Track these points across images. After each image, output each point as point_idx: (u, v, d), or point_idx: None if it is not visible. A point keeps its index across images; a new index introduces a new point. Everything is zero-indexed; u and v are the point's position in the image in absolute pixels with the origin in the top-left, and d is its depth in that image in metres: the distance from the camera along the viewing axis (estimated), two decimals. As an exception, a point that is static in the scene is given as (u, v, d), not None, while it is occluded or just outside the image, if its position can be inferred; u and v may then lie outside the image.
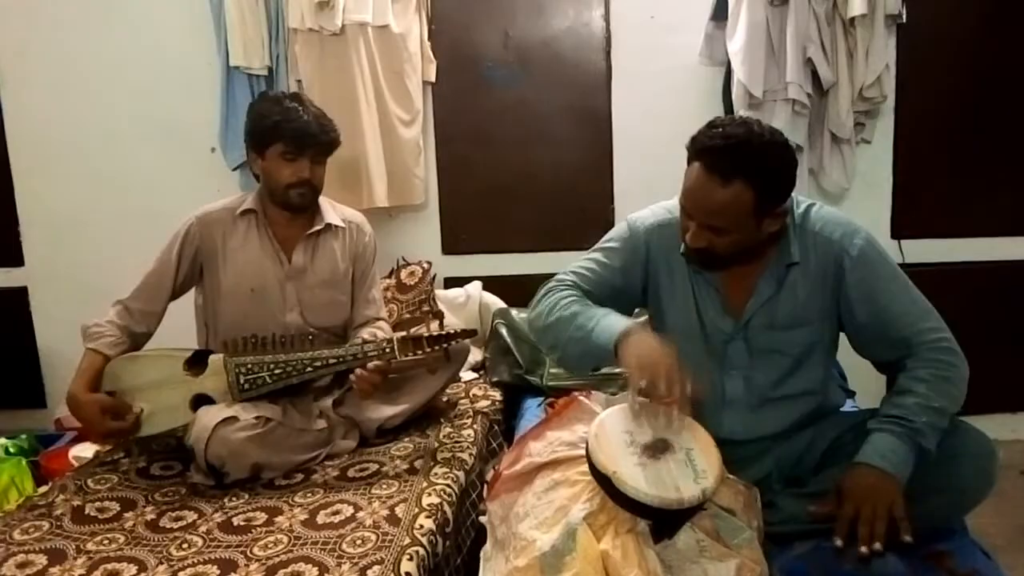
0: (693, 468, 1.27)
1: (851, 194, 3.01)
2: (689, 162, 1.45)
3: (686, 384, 1.33)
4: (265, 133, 1.95)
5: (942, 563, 1.37)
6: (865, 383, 1.97)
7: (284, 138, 1.93)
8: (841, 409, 1.71)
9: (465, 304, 2.92)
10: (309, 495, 1.73)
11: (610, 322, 1.46)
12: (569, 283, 1.61)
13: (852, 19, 2.75)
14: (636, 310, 1.73)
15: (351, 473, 1.86)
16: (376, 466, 1.88)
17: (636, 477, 1.23)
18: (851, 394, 1.89)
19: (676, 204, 1.62)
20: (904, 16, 2.83)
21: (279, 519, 1.61)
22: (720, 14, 2.86)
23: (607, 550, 1.22)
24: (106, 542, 1.54)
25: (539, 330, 1.62)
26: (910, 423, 1.36)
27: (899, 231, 3.03)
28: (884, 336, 1.50)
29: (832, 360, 1.68)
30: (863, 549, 1.28)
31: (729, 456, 1.38)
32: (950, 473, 1.40)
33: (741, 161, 1.37)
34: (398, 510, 1.61)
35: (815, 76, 2.80)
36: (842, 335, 1.62)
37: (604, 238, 1.69)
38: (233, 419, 1.77)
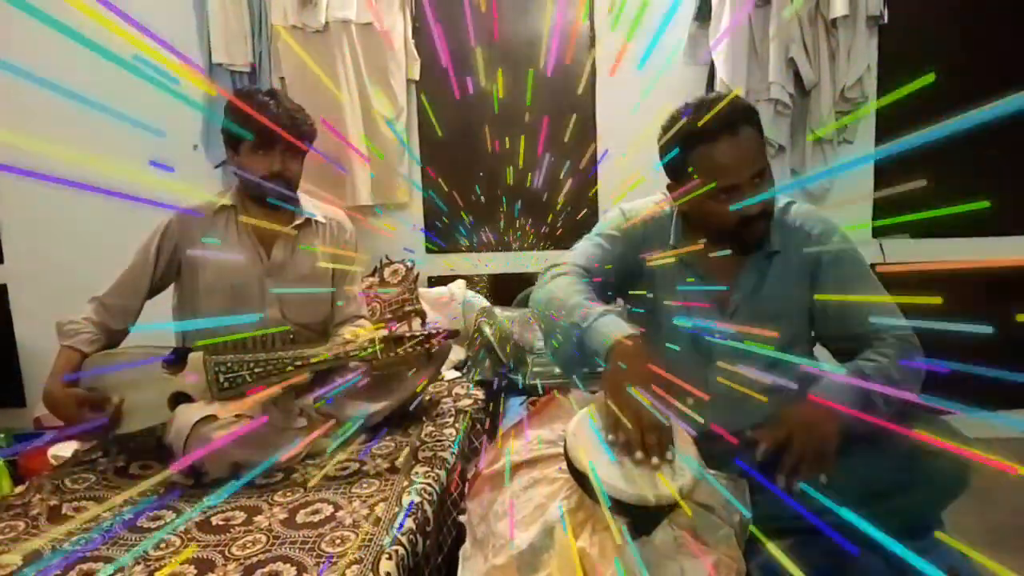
0: (670, 465, 1.27)
1: (832, 194, 3.03)
2: (692, 149, 1.47)
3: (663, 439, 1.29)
4: (237, 129, 1.95)
5: (918, 561, 1.37)
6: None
7: (255, 132, 1.92)
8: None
9: (448, 303, 2.92)
10: (289, 494, 1.72)
11: (603, 325, 1.43)
12: (576, 267, 1.61)
13: (834, 20, 2.77)
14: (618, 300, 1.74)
15: (331, 472, 1.85)
16: (357, 464, 1.88)
17: (613, 475, 1.23)
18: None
19: (663, 198, 1.65)
20: (886, 17, 2.85)
21: (258, 518, 1.60)
22: (703, 14, 2.87)
23: (584, 548, 1.22)
24: (83, 542, 1.52)
25: (541, 307, 1.57)
26: (864, 376, 1.39)
27: (880, 231, 3.06)
28: (849, 331, 1.53)
29: (811, 354, 1.69)
30: (780, 480, 1.30)
31: (709, 452, 1.38)
32: (926, 470, 1.41)
33: (742, 108, 1.47)
34: (378, 509, 1.60)
35: (797, 76, 2.82)
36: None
37: (602, 225, 1.69)
38: (212, 417, 1.75)
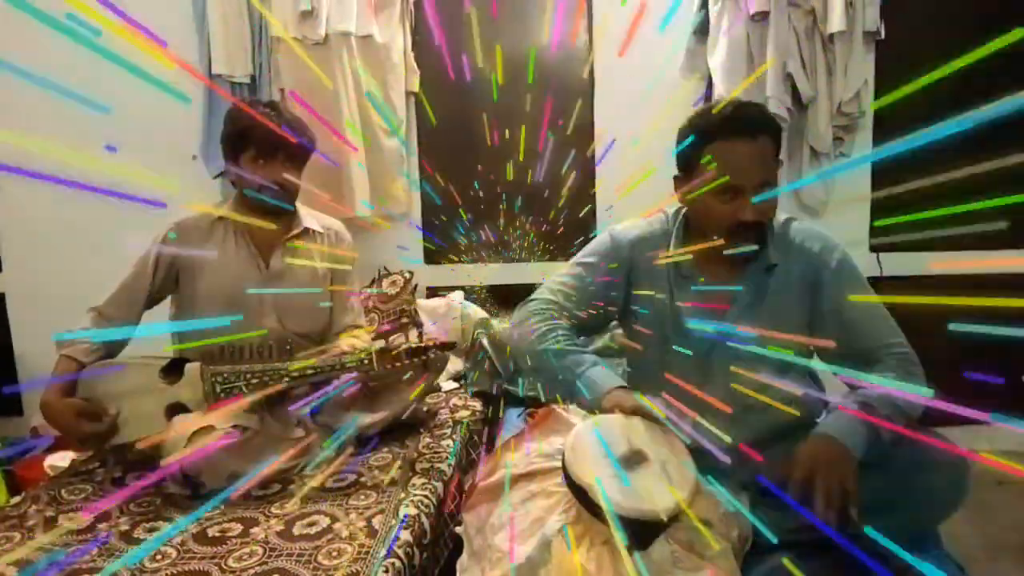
0: (668, 480, 1.27)
1: (830, 208, 3.04)
2: (709, 142, 1.49)
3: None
4: (237, 138, 1.96)
5: None
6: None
7: (255, 142, 1.93)
8: (818, 420, 1.72)
9: (447, 314, 2.92)
10: (286, 505, 1.72)
11: (596, 376, 1.51)
12: (554, 305, 1.64)
13: (832, 35, 2.79)
14: (612, 323, 1.75)
15: (329, 483, 1.84)
16: (354, 476, 1.87)
17: (612, 489, 1.23)
18: (827, 405, 1.91)
19: (656, 218, 1.66)
20: (883, 32, 2.86)
21: (255, 530, 1.60)
22: (702, 28, 2.89)
23: (582, 562, 1.22)
24: (78, 553, 1.52)
25: (521, 353, 1.66)
26: (872, 410, 1.39)
27: (877, 244, 3.06)
28: (850, 348, 1.54)
29: (809, 369, 1.70)
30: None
31: (707, 466, 1.39)
32: (922, 484, 1.42)
33: (767, 118, 1.51)
34: (375, 521, 1.60)
35: (795, 91, 2.84)
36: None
37: (586, 251, 1.71)
38: (209, 428, 1.75)
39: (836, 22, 2.74)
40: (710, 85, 2.89)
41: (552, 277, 1.71)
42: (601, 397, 1.48)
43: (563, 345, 1.57)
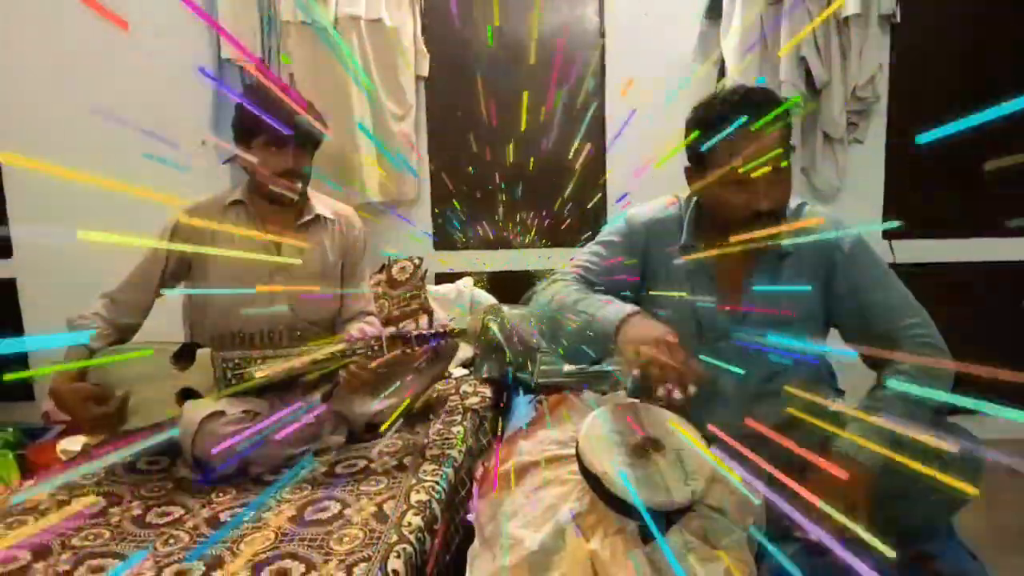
0: (683, 469, 1.26)
1: (843, 193, 3.02)
2: (725, 126, 1.43)
3: (688, 359, 1.33)
4: (249, 125, 1.94)
5: (928, 565, 1.37)
6: (855, 382, 1.97)
7: (266, 129, 1.92)
8: (830, 408, 1.71)
9: (456, 300, 2.92)
10: (297, 491, 1.72)
11: (613, 306, 1.47)
12: (571, 276, 1.63)
13: (846, 18, 2.76)
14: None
15: (339, 469, 1.85)
16: (364, 462, 1.87)
17: (626, 477, 1.22)
18: (840, 393, 1.90)
19: (671, 200, 1.64)
20: (898, 16, 2.83)
21: (266, 515, 1.60)
22: (714, 12, 2.86)
23: (596, 550, 1.21)
24: (91, 537, 1.53)
25: (540, 318, 1.62)
26: (888, 412, 1.36)
27: (890, 231, 3.04)
28: (868, 331, 1.51)
29: (822, 357, 1.68)
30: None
31: (721, 453, 1.37)
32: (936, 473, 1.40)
33: (775, 103, 1.43)
34: (386, 507, 1.60)
35: (808, 75, 2.81)
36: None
37: (603, 233, 1.70)
38: (220, 413, 1.76)
39: (851, 5, 2.71)
40: (722, 69, 2.86)
41: (571, 259, 1.70)
42: (621, 322, 1.41)
43: (575, 296, 1.54)
